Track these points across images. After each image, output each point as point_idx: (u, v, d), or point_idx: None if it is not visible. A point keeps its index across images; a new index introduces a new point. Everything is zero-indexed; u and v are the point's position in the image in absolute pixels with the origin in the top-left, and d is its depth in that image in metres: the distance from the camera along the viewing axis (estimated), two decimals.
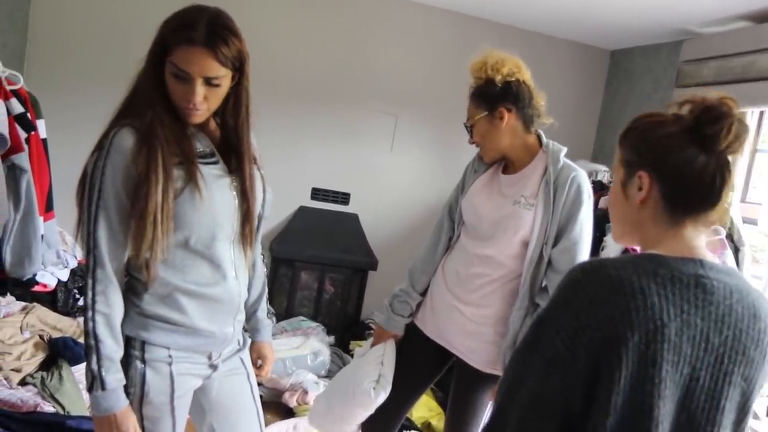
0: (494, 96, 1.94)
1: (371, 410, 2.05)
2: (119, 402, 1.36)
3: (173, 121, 1.39)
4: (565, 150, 1.97)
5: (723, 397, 0.98)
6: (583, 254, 1.89)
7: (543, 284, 1.94)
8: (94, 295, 1.33)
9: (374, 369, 2.04)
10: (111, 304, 1.35)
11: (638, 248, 1.12)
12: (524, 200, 1.91)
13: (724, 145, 1.00)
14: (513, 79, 1.92)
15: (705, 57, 3.52)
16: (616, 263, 0.97)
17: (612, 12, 3.66)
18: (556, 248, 1.88)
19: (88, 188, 1.34)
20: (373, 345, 2.16)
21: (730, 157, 1.02)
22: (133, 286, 1.44)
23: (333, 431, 2.21)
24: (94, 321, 1.32)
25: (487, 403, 2.09)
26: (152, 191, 1.32)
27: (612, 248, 3.24)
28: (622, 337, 0.91)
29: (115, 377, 1.35)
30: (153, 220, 1.32)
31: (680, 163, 1.02)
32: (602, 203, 3.36)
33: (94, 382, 1.33)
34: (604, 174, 3.86)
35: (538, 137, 2.01)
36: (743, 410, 1.03)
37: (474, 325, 1.98)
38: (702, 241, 1.05)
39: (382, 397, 2.01)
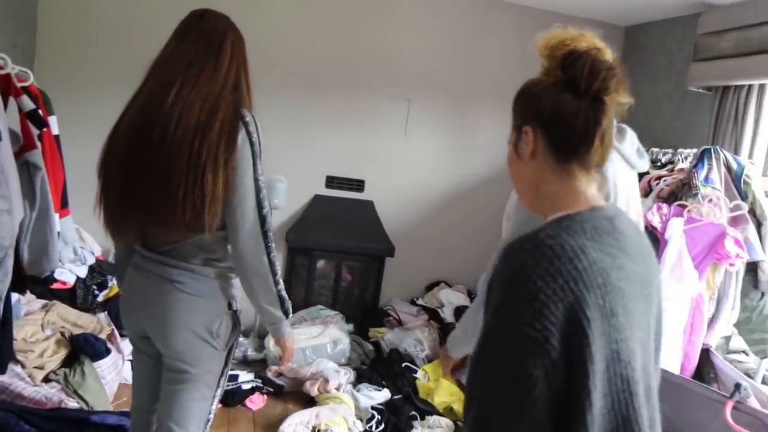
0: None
1: None
2: None
3: None
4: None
5: (651, 315, 1.08)
6: None
7: None
8: (273, 246, 1.69)
9: None
10: None
11: (539, 208, 1.15)
12: None
13: (586, 84, 1.05)
14: None
15: (723, 29, 3.43)
16: (549, 232, 0.99)
17: None
18: None
19: (257, 159, 1.64)
20: None
21: (606, 100, 1.06)
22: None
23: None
24: (277, 262, 1.71)
25: None
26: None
27: None
28: (580, 299, 0.92)
29: None
30: None
31: (554, 107, 1.07)
32: None
33: (288, 311, 1.77)
34: None
35: None
36: (659, 319, 1.13)
37: None
38: (595, 188, 1.10)
39: None
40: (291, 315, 1.78)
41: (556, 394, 0.91)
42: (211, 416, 1.83)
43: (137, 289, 1.75)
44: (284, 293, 1.74)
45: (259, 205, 1.65)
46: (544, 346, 0.90)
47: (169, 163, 1.55)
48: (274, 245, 1.70)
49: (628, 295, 0.99)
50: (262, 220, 1.66)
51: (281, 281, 1.73)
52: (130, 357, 3.32)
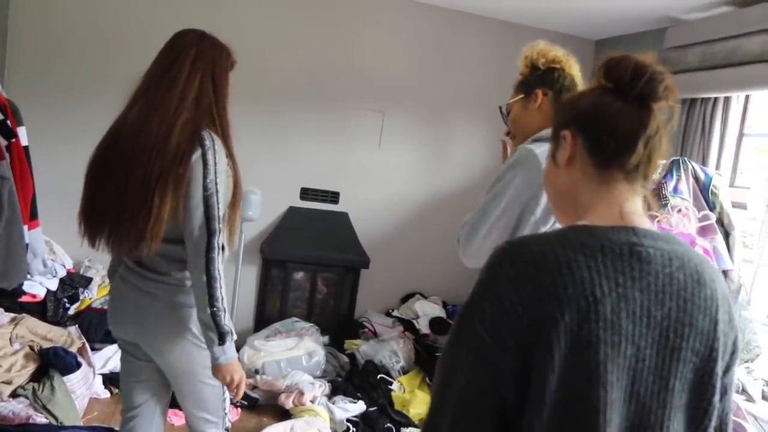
0: (534, 80, 1.85)
1: None
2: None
3: None
4: None
5: (672, 376, 0.88)
6: None
7: None
8: (220, 269, 1.65)
9: None
10: None
11: (571, 220, 1.03)
12: None
13: (630, 86, 0.95)
14: (557, 66, 1.85)
15: (689, 43, 3.52)
16: (539, 239, 0.91)
17: (596, 1, 3.66)
18: None
19: (216, 182, 1.62)
20: None
21: (653, 106, 0.96)
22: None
23: None
24: (221, 288, 1.65)
25: None
26: (240, 186, 1.75)
27: None
28: (550, 319, 0.82)
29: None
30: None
31: (594, 108, 0.98)
32: None
33: (228, 335, 1.67)
34: None
35: None
36: (701, 389, 0.92)
37: None
38: (638, 206, 0.98)
39: None
40: (228, 343, 1.68)
41: (505, 400, 0.85)
42: (227, 411, 1.90)
43: (122, 300, 1.81)
44: (221, 319, 1.66)
45: (208, 227, 1.63)
46: (495, 355, 0.84)
47: (125, 181, 1.60)
48: (218, 268, 1.65)
49: (626, 335, 0.85)
50: (208, 241, 1.64)
51: (220, 306, 1.65)
52: (102, 371, 3.27)
